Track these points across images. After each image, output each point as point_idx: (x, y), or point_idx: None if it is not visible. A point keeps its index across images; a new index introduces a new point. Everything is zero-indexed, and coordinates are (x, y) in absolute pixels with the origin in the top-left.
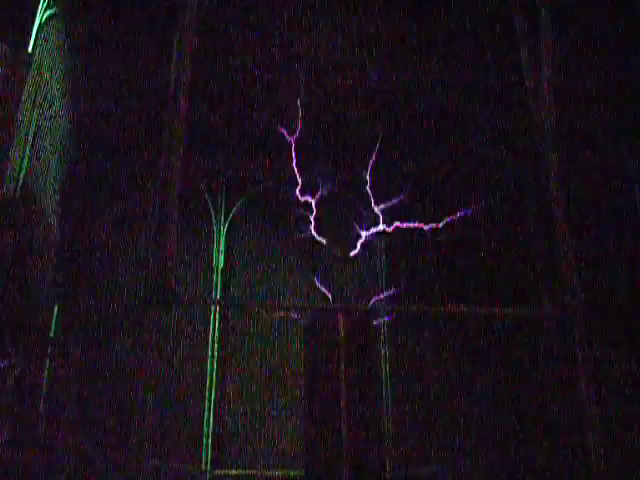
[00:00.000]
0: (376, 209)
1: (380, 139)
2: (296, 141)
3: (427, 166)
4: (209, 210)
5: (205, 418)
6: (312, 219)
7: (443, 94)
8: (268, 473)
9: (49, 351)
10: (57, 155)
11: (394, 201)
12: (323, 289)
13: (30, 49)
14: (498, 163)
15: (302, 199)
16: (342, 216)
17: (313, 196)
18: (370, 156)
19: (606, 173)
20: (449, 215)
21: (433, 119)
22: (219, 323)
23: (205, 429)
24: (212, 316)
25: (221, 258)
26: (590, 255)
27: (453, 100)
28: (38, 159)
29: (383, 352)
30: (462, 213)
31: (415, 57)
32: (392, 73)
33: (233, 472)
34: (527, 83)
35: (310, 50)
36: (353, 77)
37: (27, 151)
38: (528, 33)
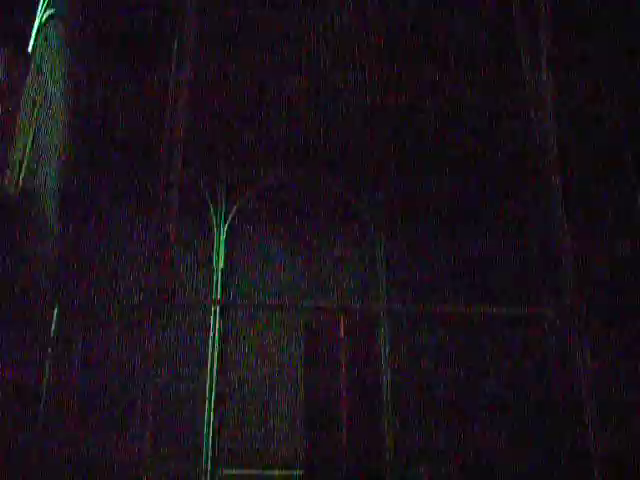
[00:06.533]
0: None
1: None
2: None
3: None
4: (209, 210)
5: (205, 417)
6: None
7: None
8: (268, 473)
9: (49, 351)
10: (57, 155)
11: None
12: (323, 289)
13: (30, 49)
14: (498, 165)
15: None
16: (343, 215)
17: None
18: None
19: (607, 173)
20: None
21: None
22: (219, 323)
23: (205, 429)
24: (212, 316)
25: (221, 258)
26: (590, 255)
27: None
28: (38, 159)
29: (383, 351)
30: None
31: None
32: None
33: (233, 472)
34: (527, 81)
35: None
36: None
37: (27, 151)
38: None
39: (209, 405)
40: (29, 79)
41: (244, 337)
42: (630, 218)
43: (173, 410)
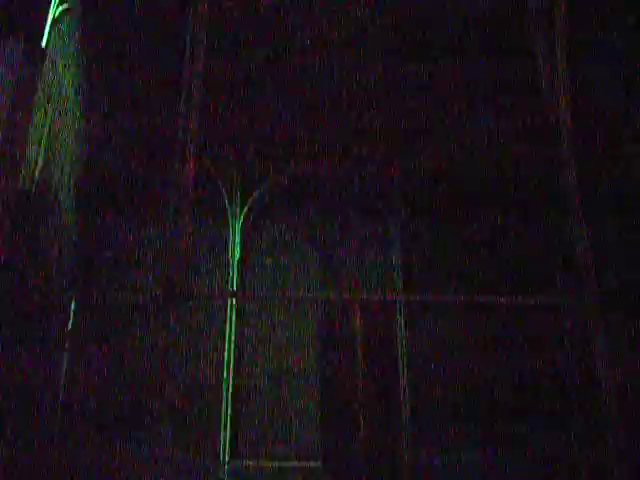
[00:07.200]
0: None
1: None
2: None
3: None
4: (225, 202)
5: (222, 409)
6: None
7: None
8: (285, 464)
9: (67, 344)
10: (72, 149)
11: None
12: (339, 280)
13: (44, 44)
14: (514, 154)
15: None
16: (359, 207)
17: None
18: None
19: (622, 161)
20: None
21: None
22: (235, 315)
23: (222, 420)
24: (228, 308)
25: (237, 250)
26: (606, 243)
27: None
28: (53, 153)
29: (400, 342)
30: None
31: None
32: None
33: (250, 463)
34: (542, 76)
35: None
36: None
37: (42, 145)
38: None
39: (226, 396)
40: (43, 74)
41: (260, 328)
42: None
43: (190, 402)
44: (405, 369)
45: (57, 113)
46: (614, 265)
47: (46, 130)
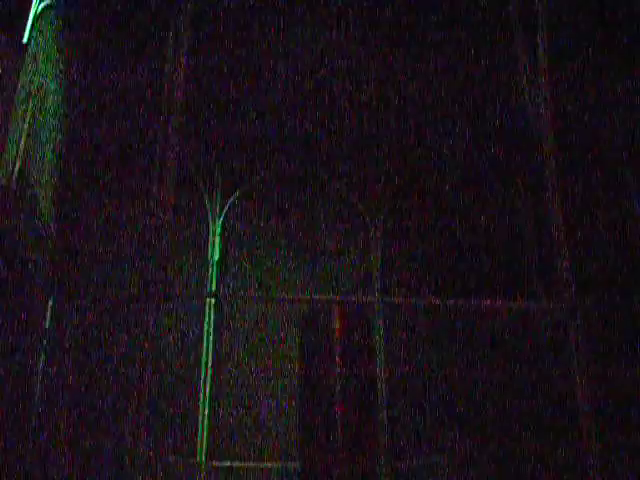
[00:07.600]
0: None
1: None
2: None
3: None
4: (204, 202)
5: (200, 410)
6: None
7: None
8: (264, 465)
9: (44, 343)
10: (52, 146)
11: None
12: (318, 281)
13: (25, 40)
14: (495, 160)
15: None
16: (338, 207)
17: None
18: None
19: (601, 167)
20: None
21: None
22: (214, 316)
23: (200, 421)
24: (207, 308)
25: (216, 250)
26: (585, 248)
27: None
28: (33, 149)
29: (379, 344)
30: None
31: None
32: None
33: (228, 464)
34: (524, 84)
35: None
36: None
37: (22, 141)
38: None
39: (203, 398)
40: (24, 70)
41: (239, 329)
42: (624, 211)
43: (167, 403)
44: (383, 370)
45: (38, 108)
46: (592, 269)
47: (26, 127)
